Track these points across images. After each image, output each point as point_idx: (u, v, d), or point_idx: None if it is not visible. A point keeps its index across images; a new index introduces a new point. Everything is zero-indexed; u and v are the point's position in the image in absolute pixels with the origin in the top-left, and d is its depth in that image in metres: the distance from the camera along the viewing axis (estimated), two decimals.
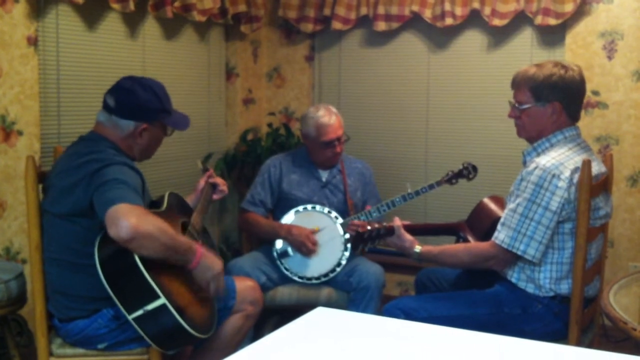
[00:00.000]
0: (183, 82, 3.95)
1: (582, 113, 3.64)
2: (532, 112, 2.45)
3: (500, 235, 2.39)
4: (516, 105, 2.49)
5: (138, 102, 2.37)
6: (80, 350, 2.34)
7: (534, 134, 2.48)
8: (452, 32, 4.04)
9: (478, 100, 4.04)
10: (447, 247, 2.58)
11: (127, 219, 2.03)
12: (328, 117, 3.29)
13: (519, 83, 2.48)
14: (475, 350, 1.64)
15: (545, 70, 2.42)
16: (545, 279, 2.40)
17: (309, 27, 4.27)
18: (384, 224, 2.63)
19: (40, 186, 2.37)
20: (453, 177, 3.16)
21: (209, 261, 2.27)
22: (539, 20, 3.66)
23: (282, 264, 3.21)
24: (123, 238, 2.04)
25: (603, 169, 2.54)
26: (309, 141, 3.36)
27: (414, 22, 4.08)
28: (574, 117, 2.49)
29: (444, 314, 2.40)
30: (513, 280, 2.45)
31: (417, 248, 2.56)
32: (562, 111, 2.43)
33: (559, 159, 2.36)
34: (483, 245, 2.46)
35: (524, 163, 2.50)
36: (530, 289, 2.42)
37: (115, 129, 2.38)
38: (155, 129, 2.44)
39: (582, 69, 2.50)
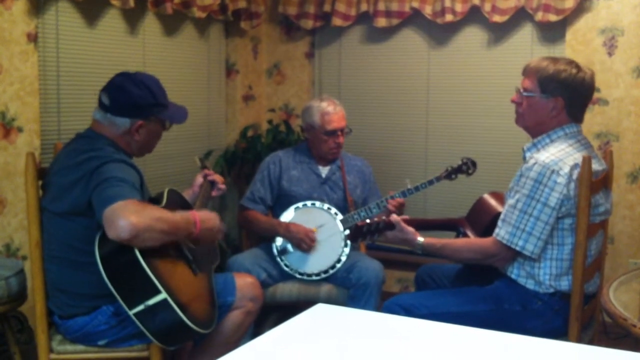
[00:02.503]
0: (183, 79, 3.95)
1: None
2: (533, 101, 2.45)
3: (501, 232, 2.39)
4: (521, 91, 2.50)
5: (132, 99, 2.35)
6: (81, 347, 2.34)
7: (531, 124, 2.48)
8: (452, 29, 4.03)
9: (478, 96, 4.03)
10: (450, 241, 2.58)
11: (125, 218, 2.02)
12: (332, 106, 3.31)
13: (530, 71, 2.48)
14: (475, 346, 1.64)
15: (559, 66, 2.42)
16: (545, 275, 2.40)
17: (309, 23, 4.26)
18: (383, 217, 2.61)
19: (40, 183, 2.37)
20: (452, 173, 3.15)
21: (208, 224, 2.36)
22: (539, 16, 3.66)
23: (282, 260, 3.22)
24: (124, 238, 2.03)
25: (603, 165, 2.54)
26: (312, 132, 3.36)
27: (414, 18, 4.08)
28: (574, 118, 2.47)
29: (444, 311, 2.40)
30: (513, 276, 2.45)
31: (420, 239, 2.54)
32: (563, 109, 2.43)
33: (558, 155, 2.36)
34: (485, 242, 2.46)
35: (524, 159, 2.50)
36: (530, 285, 2.42)
37: (112, 127, 2.36)
38: (152, 124, 2.42)
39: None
